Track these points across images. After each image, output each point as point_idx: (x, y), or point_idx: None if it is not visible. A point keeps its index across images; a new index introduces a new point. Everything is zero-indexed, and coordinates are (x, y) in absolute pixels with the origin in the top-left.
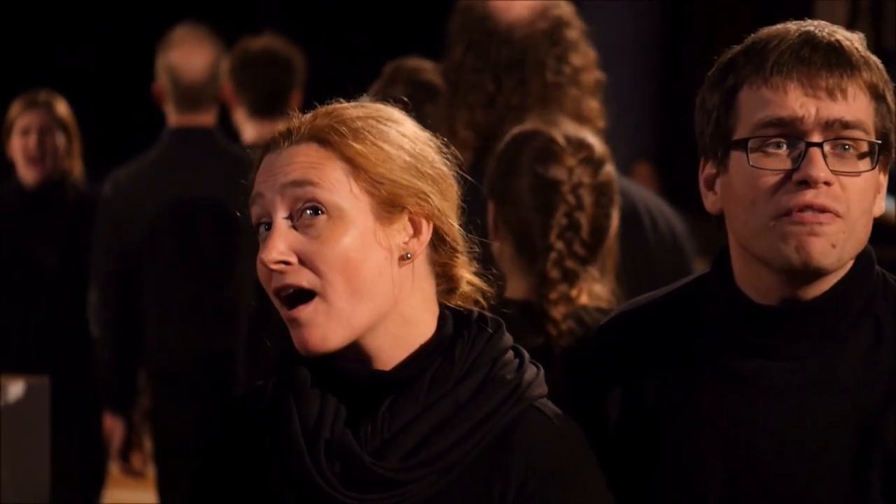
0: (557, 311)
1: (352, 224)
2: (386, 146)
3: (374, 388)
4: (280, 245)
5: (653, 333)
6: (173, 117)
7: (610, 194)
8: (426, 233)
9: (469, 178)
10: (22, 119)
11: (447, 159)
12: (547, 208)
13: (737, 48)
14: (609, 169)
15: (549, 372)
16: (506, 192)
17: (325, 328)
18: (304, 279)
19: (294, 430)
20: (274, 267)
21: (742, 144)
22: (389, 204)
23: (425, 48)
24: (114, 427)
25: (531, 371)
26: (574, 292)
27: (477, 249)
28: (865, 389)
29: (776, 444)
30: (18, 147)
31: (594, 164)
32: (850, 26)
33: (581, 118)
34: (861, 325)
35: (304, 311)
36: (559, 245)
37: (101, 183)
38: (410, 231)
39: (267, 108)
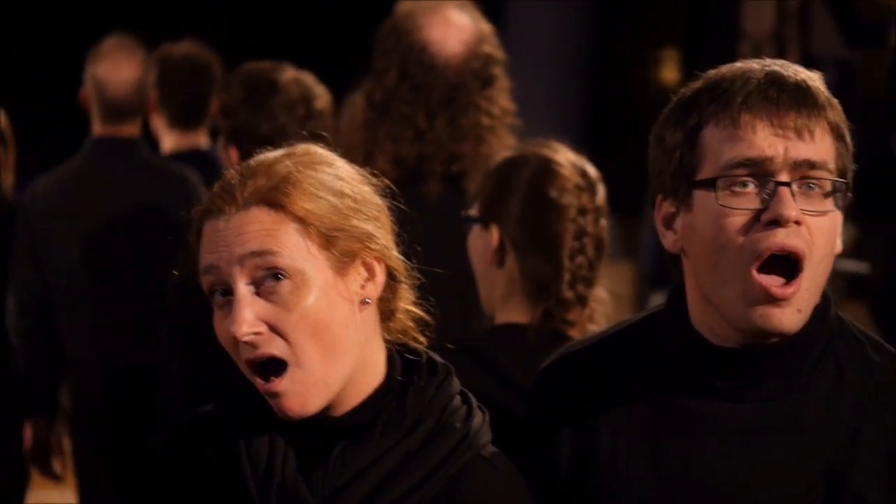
0: (576, 333)
1: (314, 285)
2: (331, 197)
3: (325, 433)
4: (248, 316)
5: (602, 374)
6: (97, 127)
7: (604, 216)
8: (380, 274)
9: (402, 206)
10: None
11: (376, 187)
12: (559, 232)
13: (696, 85)
14: (602, 191)
15: None
16: (512, 216)
17: (304, 395)
18: (275, 348)
19: (245, 474)
20: (246, 340)
21: (709, 184)
22: (344, 254)
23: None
24: (33, 433)
25: (478, 418)
26: (588, 312)
27: (419, 278)
28: (830, 431)
29: (742, 487)
30: None
31: (593, 187)
32: (778, 31)
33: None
34: (822, 368)
35: (281, 384)
36: (572, 267)
37: None
38: (364, 274)
39: (186, 118)
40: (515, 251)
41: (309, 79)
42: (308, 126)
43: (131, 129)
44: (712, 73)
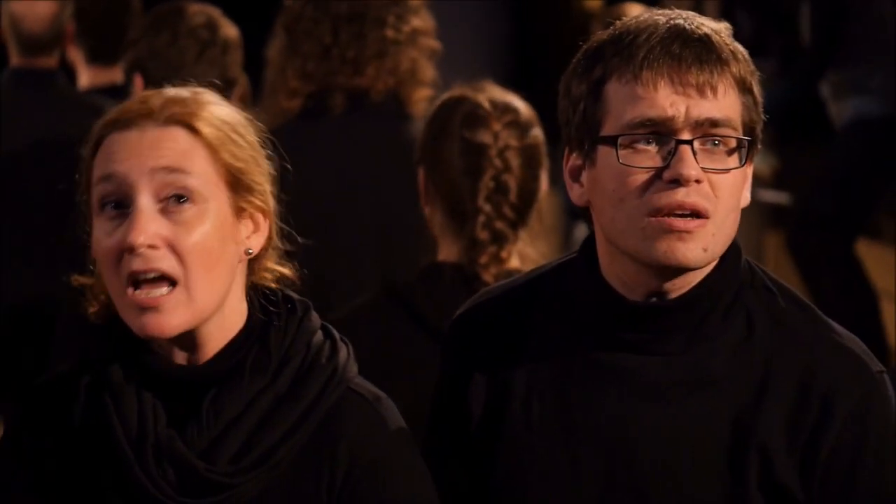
0: (488, 274)
1: (214, 214)
2: (234, 135)
3: (192, 383)
4: (150, 227)
5: (514, 324)
6: (14, 58)
7: (538, 157)
8: (265, 229)
9: (284, 160)
10: None
11: (260, 136)
12: (475, 172)
13: (602, 35)
14: (536, 132)
15: None
16: (435, 158)
17: (182, 317)
18: (167, 264)
19: (118, 436)
20: (142, 251)
21: (611, 141)
22: (241, 200)
23: None
24: None
25: (343, 351)
26: (504, 254)
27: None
28: (739, 383)
29: (652, 440)
30: None
31: (521, 127)
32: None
33: (416, 80)
34: (732, 319)
35: (167, 300)
36: (487, 208)
37: None
38: (251, 227)
39: (104, 54)
40: (437, 191)
41: (216, 11)
42: (209, 52)
43: (49, 62)
44: (619, 23)
